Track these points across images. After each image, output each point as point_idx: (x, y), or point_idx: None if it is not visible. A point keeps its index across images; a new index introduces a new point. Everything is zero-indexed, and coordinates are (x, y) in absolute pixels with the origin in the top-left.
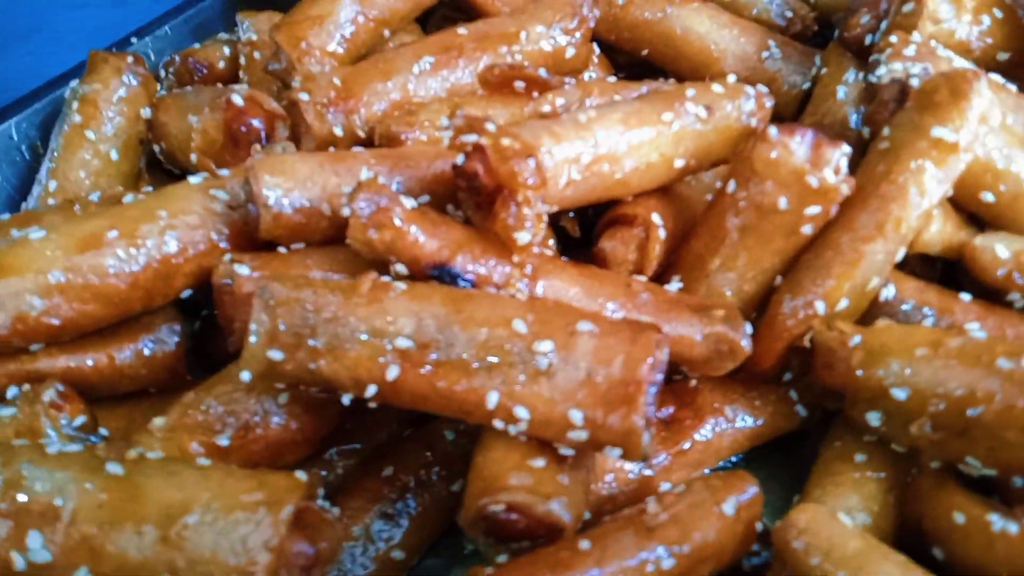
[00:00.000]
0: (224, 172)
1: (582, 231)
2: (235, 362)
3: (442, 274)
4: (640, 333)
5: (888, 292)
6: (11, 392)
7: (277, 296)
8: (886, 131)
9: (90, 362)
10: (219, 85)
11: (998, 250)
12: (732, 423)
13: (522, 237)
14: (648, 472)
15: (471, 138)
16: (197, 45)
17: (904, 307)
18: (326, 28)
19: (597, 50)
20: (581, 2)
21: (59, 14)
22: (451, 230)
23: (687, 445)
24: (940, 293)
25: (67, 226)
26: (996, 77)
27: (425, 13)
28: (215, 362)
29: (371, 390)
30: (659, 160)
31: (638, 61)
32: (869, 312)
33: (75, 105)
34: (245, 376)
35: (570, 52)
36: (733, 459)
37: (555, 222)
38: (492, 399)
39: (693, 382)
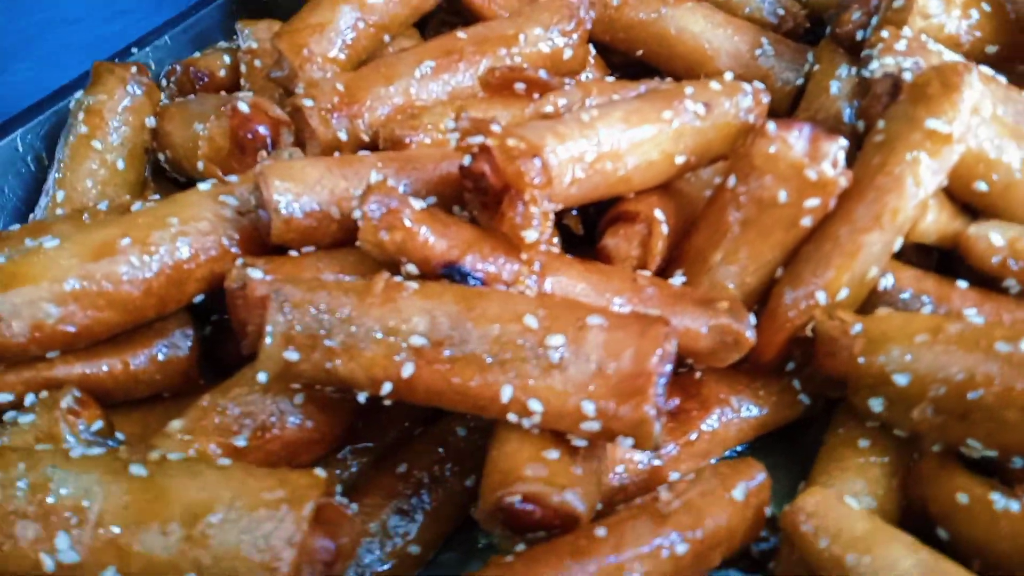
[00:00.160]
0: (232, 178)
1: (584, 229)
2: (249, 365)
3: (452, 273)
4: (649, 326)
5: (887, 281)
6: (29, 399)
7: (292, 298)
8: (881, 124)
9: (105, 368)
10: (222, 93)
11: (992, 238)
12: (737, 413)
13: (530, 235)
14: (657, 462)
15: (477, 139)
16: (197, 54)
17: (903, 296)
18: (327, 35)
19: (593, 51)
20: (578, 4)
21: (54, 29)
22: (460, 230)
23: (694, 435)
24: (937, 281)
25: (79, 235)
26: (985, 69)
27: (423, 18)
28: (226, 366)
29: (387, 388)
30: (660, 157)
31: (633, 61)
32: (868, 301)
33: (81, 116)
34: (262, 377)
35: (568, 54)
36: (739, 448)
37: (559, 220)
38: (506, 393)
39: (698, 374)
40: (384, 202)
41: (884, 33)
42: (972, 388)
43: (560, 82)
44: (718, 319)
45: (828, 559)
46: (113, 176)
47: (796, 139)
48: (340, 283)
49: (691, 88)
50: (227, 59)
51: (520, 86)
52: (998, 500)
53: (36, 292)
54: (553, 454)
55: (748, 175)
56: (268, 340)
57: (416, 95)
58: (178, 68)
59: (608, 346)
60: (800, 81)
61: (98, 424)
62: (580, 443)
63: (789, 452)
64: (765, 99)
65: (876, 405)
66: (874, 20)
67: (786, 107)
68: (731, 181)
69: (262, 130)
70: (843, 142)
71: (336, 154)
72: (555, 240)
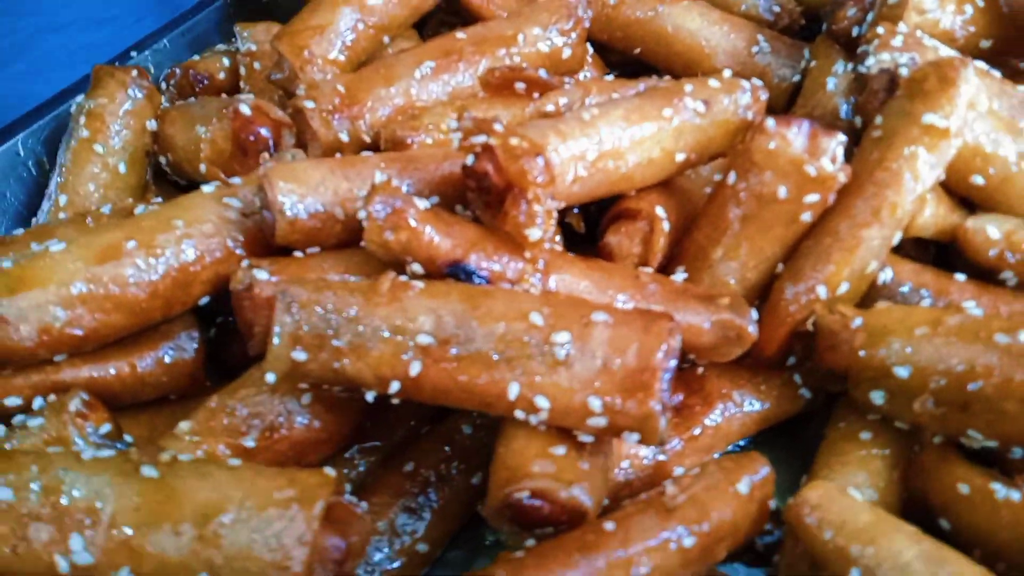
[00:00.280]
0: (235, 181)
1: (586, 226)
2: (256, 365)
3: (457, 272)
4: (653, 322)
5: (886, 275)
6: (37, 403)
7: (299, 299)
8: (878, 120)
9: (112, 371)
10: (223, 96)
11: (989, 231)
12: (740, 407)
13: (533, 234)
14: (662, 457)
15: (480, 139)
16: (196, 57)
17: (902, 289)
18: (327, 36)
19: (590, 50)
20: (576, 3)
21: (42, 38)
22: (464, 229)
23: (698, 430)
24: (936, 274)
25: (85, 238)
26: (980, 64)
27: (422, 18)
28: (231, 367)
29: (394, 386)
30: (661, 155)
31: (631, 60)
32: (868, 295)
33: (82, 120)
34: (270, 378)
35: (566, 53)
36: (741, 442)
37: (561, 218)
38: (513, 390)
39: (700, 369)
40: (389, 202)
41: (880, 29)
42: (972, 379)
43: (560, 81)
44: (720, 315)
45: (832, 551)
46: (115, 180)
47: (795, 135)
48: (346, 283)
49: (690, 86)
50: (226, 62)
51: (520, 86)
52: (999, 490)
53: (43, 296)
54: (560, 450)
55: (748, 171)
56: (276, 341)
57: (416, 96)
58: (177, 71)
59: (613, 342)
60: (797, 78)
61: (106, 427)
62: (586, 439)
63: (791, 446)
64: (763, 96)
65: (877, 398)
66: (869, 16)
67: (783, 104)
68: (731, 177)
69: (264, 132)
70: (842, 138)
71: (338, 155)
72: (557, 238)
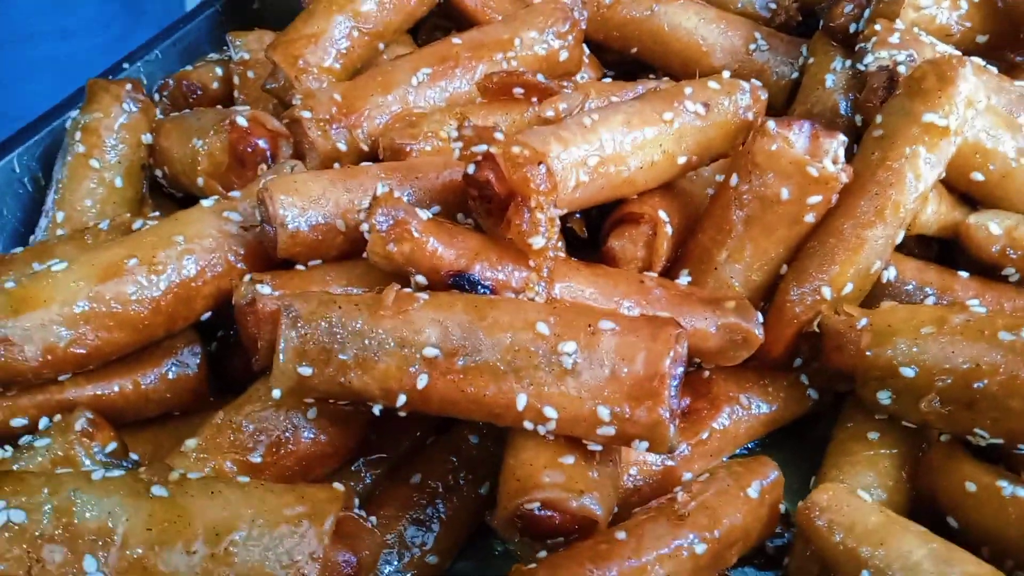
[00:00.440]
0: (235, 194)
1: (588, 231)
2: (261, 380)
3: (462, 282)
4: (660, 328)
5: (890, 274)
6: (43, 423)
7: (303, 313)
8: (879, 119)
9: (116, 388)
10: (218, 107)
11: (991, 227)
12: (747, 410)
13: (537, 242)
14: (671, 463)
15: (481, 148)
16: (189, 67)
17: (906, 287)
18: (322, 45)
19: (586, 50)
20: (571, 5)
21: (9, 49)
22: (467, 239)
23: (705, 435)
24: (940, 272)
25: (86, 256)
26: (977, 60)
27: (416, 23)
28: (232, 382)
29: (401, 399)
30: (663, 158)
31: (627, 59)
32: (873, 295)
33: (78, 135)
34: (276, 393)
35: (563, 55)
36: (749, 445)
37: (563, 224)
38: (521, 401)
39: (707, 373)
40: (391, 214)
41: (877, 26)
42: (977, 377)
43: (558, 85)
44: (726, 318)
45: (843, 552)
46: (112, 194)
47: (797, 136)
48: (351, 296)
49: (690, 88)
50: (219, 71)
51: (518, 90)
52: (1006, 487)
53: (47, 315)
54: (569, 459)
55: (750, 173)
56: (281, 356)
57: (414, 103)
58: (170, 82)
59: (620, 350)
60: (795, 75)
61: (112, 445)
62: (595, 447)
63: (799, 448)
64: (763, 96)
65: (884, 398)
66: (866, 13)
67: (782, 101)
68: (733, 180)
69: (262, 144)
70: (843, 138)
71: (336, 165)
72: (560, 245)
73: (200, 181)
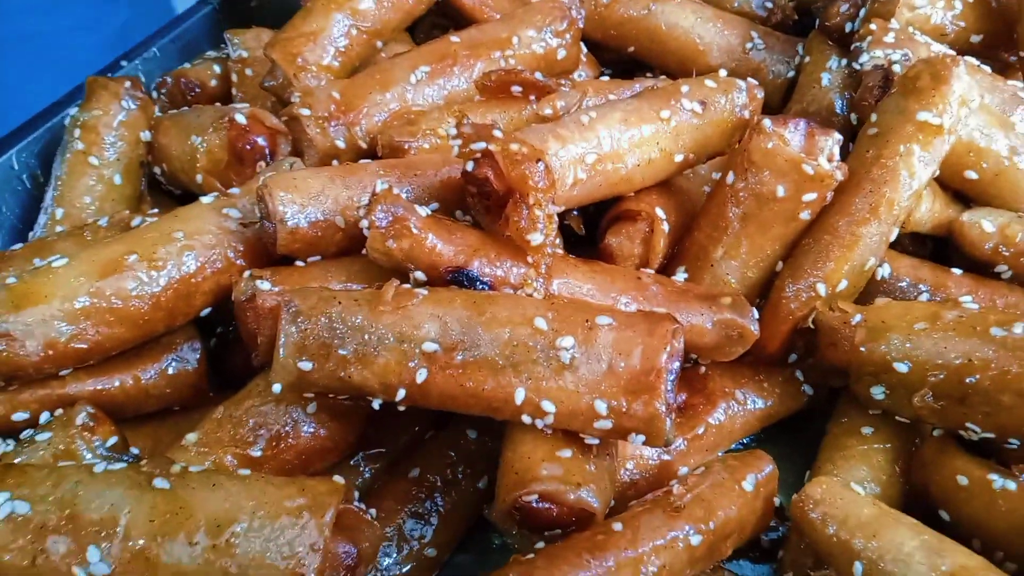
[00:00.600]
0: (234, 191)
1: (585, 228)
2: (261, 375)
3: (460, 278)
4: (657, 324)
5: (884, 271)
6: (44, 417)
7: (303, 308)
8: (873, 117)
9: (117, 383)
10: (216, 104)
11: (984, 225)
12: (743, 406)
13: (535, 238)
14: (667, 457)
15: (480, 145)
16: (187, 65)
17: (900, 284)
18: (320, 43)
19: (584, 49)
20: (569, 4)
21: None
22: (466, 235)
23: (701, 429)
24: (933, 269)
25: (87, 252)
26: (971, 59)
27: (414, 21)
28: (230, 378)
29: (401, 394)
30: (660, 156)
31: (624, 58)
32: (867, 291)
33: (77, 132)
34: (276, 388)
35: (561, 54)
36: (745, 440)
37: (561, 221)
38: (520, 395)
39: (703, 369)
40: (390, 210)
41: (872, 26)
42: (969, 373)
43: (556, 83)
44: (722, 314)
45: (836, 544)
46: (110, 191)
47: (792, 135)
48: (350, 292)
49: (687, 86)
50: (217, 69)
51: (516, 88)
52: (996, 480)
53: (48, 311)
54: (566, 453)
55: (746, 171)
56: (281, 351)
57: (412, 100)
58: (169, 80)
59: (618, 345)
60: (791, 73)
61: (112, 440)
62: (592, 441)
63: (794, 443)
64: (759, 94)
65: (878, 393)
66: (862, 12)
67: (778, 99)
68: (730, 177)
69: (260, 141)
70: (838, 136)
71: (335, 162)
72: (558, 241)
73: (199, 178)
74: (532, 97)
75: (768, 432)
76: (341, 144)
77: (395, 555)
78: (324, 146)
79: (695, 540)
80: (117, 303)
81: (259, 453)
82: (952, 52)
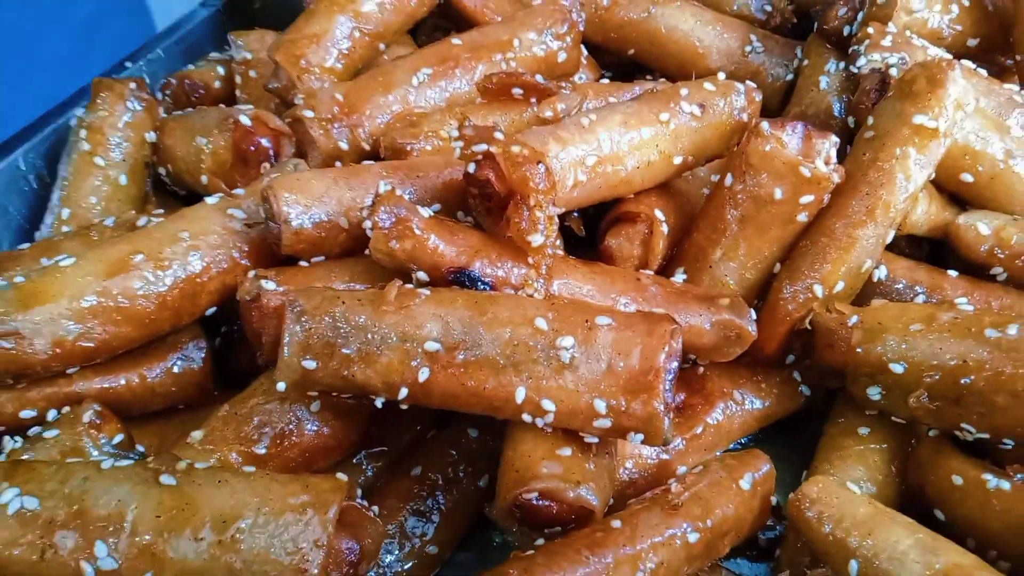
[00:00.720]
0: (239, 191)
1: (585, 230)
2: (266, 374)
3: (462, 279)
4: (656, 324)
5: (881, 273)
6: (51, 415)
7: (308, 308)
8: (870, 120)
9: (123, 382)
10: (220, 105)
11: (980, 228)
12: (741, 406)
13: (536, 240)
14: (665, 457)
15: (481, 147)
16: (191, 66)
17: (897, 286)
18: (323, 45)
19: (584, 52)
20: (570, 7)
21: (14, 49)
22: (468, 236)
23: (700, 429)
24: (929, 271)
25: (94, 252)
26: (967, 63)
27: (415, 23)
28: (235, 377)
29: (403, 393)
30: (659, 158)
31: (624, 61)
32: (864, 293)
33: (83, 133)
34: (281, 386)
35: (562, 56)
36: (743, 440)
37: (561, 223)
38: (520, 394)
39: (701, 369)
40: (393, 211)
41: (870, 29)
42: (964, 374)
43: (557, 86)
44: (720, 315)
45: (832, 543)
46: (116, 192)
47: (790, 137)
48: (354, 292)
49: (686, 89)
50: (221, 70)
51: (518, 91)
52: (991, 480)
53: (56, 310)
54: (566, 451)
55: (744, 174)
56: (286, 350)
57: (414, 102)
58: (173, 81)
59: (617, 345)
60: (790, 77)
61: (119, 437)
62: (592, 440)
63: (791, 443)
64: (758, 97)
65: (874, 394)
66: (860, 16)
67: (777, 102)
68: (728, 180)
69: (264, 142)
70: (835, 139)
71: (338, 164)
72: (559, 243)
73: (204, 179)
74: (533, 99)
75: (766, 432)
76: (344, 146)
77: (397, 552)
78: (328, 148)
79: (693, 538)
80: (124, 302)
81: (264, 451)
82: (948, 56)
